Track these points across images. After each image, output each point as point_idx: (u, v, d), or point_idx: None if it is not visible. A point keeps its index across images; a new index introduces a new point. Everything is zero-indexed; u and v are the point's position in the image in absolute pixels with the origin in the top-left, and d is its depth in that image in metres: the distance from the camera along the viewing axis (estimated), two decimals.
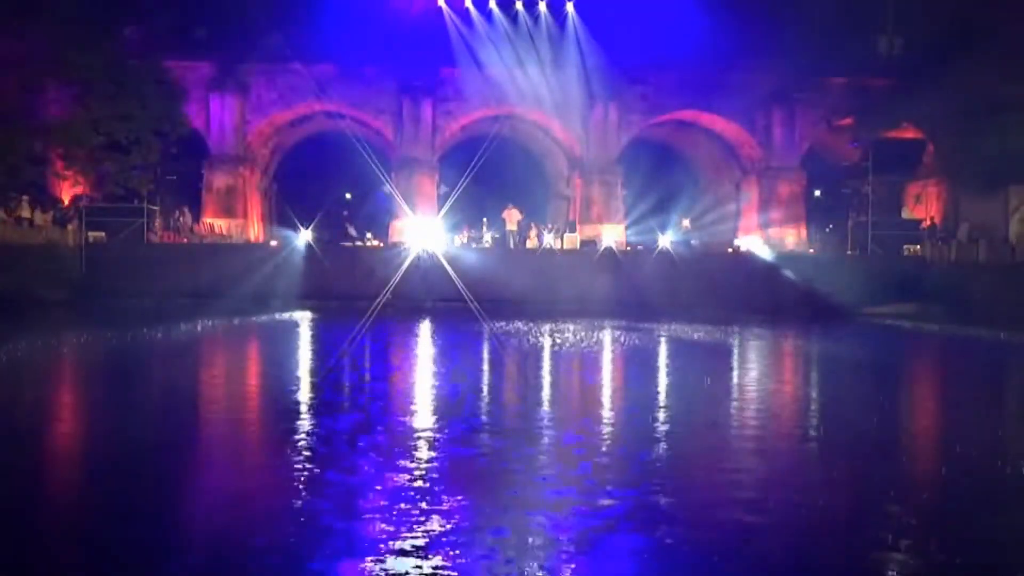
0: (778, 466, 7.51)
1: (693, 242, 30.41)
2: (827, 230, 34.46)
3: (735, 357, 15.79)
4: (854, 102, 31.24)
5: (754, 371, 14.03)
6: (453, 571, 4.81)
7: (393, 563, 4.90)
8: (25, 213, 27.87)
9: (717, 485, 6.77)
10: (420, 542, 5.21)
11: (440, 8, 31.93)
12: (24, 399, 10.58)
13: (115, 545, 5.22)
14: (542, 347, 16.41)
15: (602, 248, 28.75)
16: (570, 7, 32.23)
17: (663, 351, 16.49)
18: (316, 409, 9.68)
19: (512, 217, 31.24)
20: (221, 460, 7.70)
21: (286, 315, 22.31)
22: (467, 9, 32.02)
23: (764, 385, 12.23)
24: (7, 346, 14.12)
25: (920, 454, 8.57)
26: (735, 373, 13.59)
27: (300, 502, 5.99)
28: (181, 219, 30.69)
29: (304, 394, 10.71)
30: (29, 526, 5.59)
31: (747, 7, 29.43)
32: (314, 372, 12.70)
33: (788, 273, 27.36)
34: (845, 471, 7.40)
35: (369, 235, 32.22)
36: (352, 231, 31.31)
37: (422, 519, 5.63)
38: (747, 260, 29.33)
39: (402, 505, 5.91)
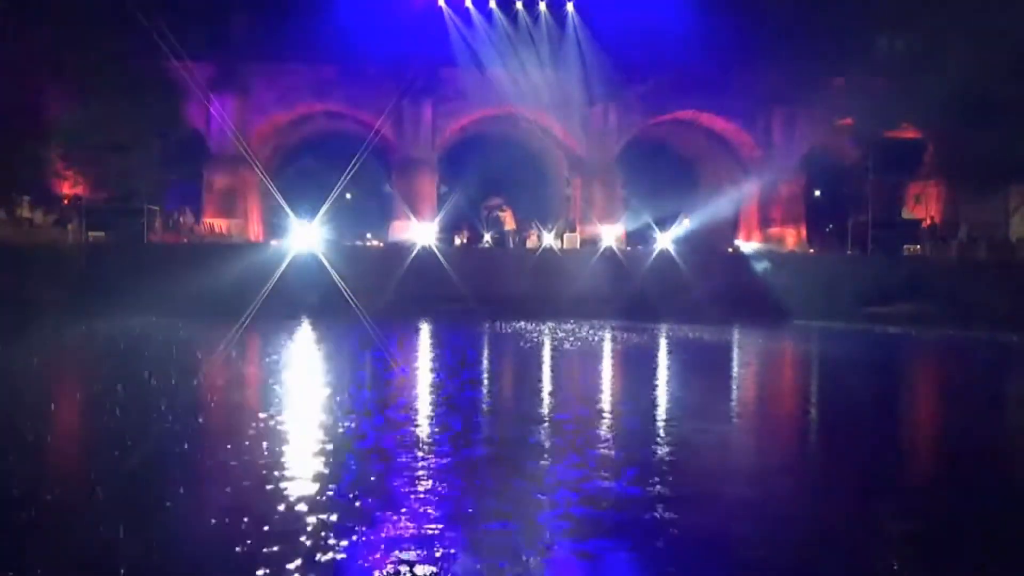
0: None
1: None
2: (827, 230, 34.46)
3: (733, 360, 15.79)
4: (854, 102, 31.23)
5: (751, 375, 14.03)
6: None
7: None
8: (25, 213, 27.87)
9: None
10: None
11: (440, 8, 31.95)
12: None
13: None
14: (541, 349, 16.41)
15: (602, 248, 28.75)
16: (570, 7, 32.25)
17: (662, 353, 16.49)
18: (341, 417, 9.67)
19: (508, 218, 31.28)
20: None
21: (286, 317, 22.28)
22: (467, 9, 32.04)
23: (761, 393, 12.25)
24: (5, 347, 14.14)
25: (921, 456, 8.59)
26: (733, 376, 13.59)
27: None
28: (181, 219, 30.71)
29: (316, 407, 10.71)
30: None
31: (747, 7, 29.43)
32: (328, 384, 12.69)
33: (789, 273, 27.34)
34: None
35: (369, 235, 32.31)
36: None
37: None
38: (746, 260, 29.32)
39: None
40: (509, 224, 31.08)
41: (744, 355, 16.33)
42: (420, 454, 7.46)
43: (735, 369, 14.21)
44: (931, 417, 10.88)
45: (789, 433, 9.34)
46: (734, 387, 12.16)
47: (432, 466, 7.06)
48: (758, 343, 18.49)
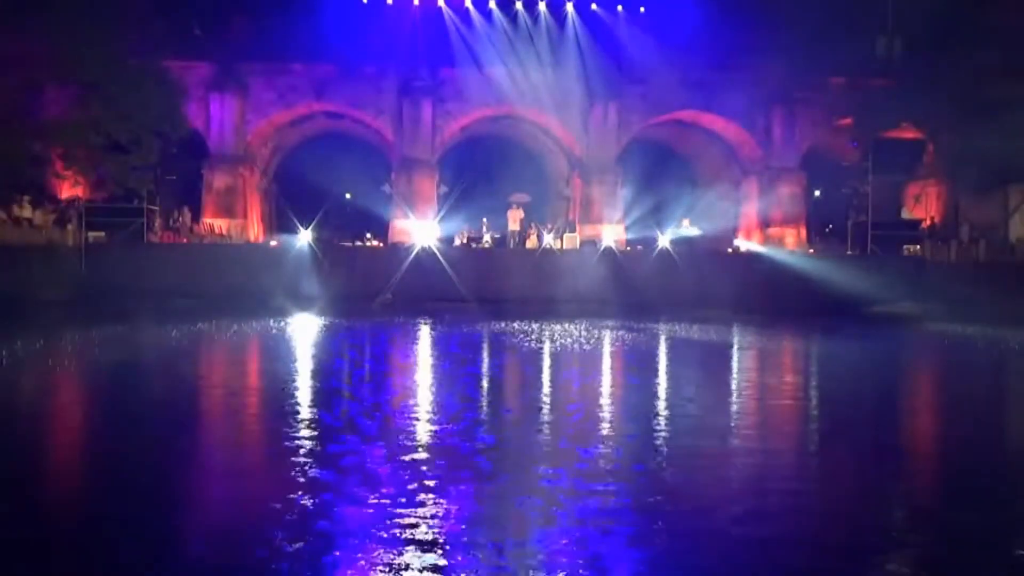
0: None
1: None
2: (827, 230, 34.43)
3: (734, 359, 15.77)
4: (854, 102, 31.25)
5: (755, 373, 14.02)
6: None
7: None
8: (25, 213, 27.87)
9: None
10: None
11: (440, 8, 31.97)
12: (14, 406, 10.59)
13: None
14: (538, 349, 16.40)
15: (602, 248, 28.72)
16: (570, 7, 32.26)
17: (661, 354, 16.48)
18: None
19: (515, 217, 31.27)
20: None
21: (285, 317, 22.28)
22: (467, 9, 32.06)
23: (768, 388, 12.23)
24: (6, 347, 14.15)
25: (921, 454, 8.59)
26: (734, 375, 13.59)
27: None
28: (181, 219, 30.69)
29: (318, 404, 10.70)
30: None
31: (747, 7, 29.43)
32: (326, 380, 12.69)
33: (788, 273, 27.31)
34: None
35: (369, 235, 32.35)
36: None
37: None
38: (746, 260, 29.31)
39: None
40: (513, 224, 31.04)
41: (744, 357, 16.31)
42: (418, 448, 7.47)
43: (735, 372, 14.18)
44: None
45: (796, 446, 9.32)
46: (734, 393, 12.14)
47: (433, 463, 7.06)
48: (759, 344, 18.45)
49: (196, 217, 31.27)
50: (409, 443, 7.84)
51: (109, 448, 7.88)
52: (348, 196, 35.72)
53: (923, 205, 33.62)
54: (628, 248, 30.59)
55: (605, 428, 8.75)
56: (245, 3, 30.80)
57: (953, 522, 5.96)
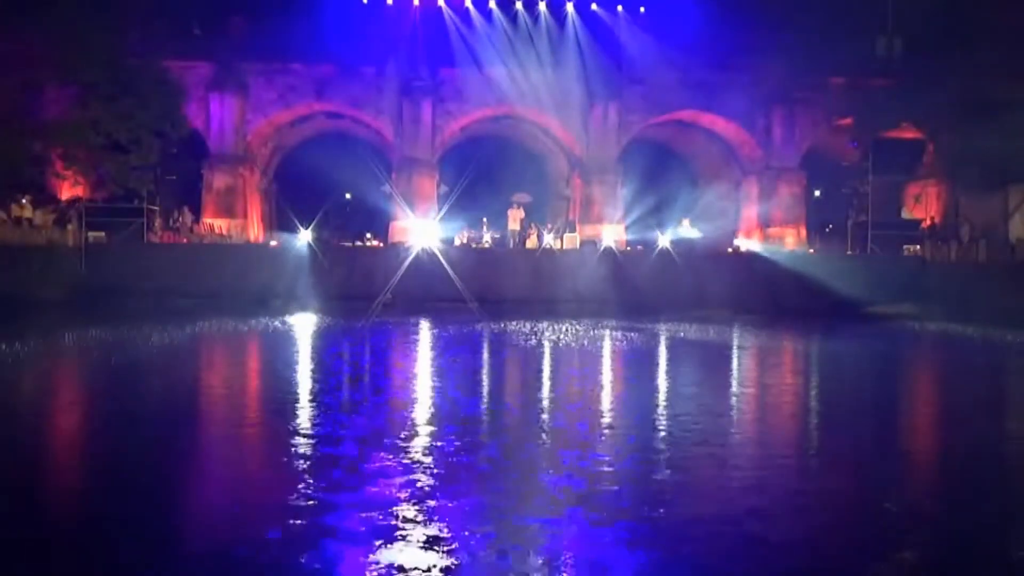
0: None
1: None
2: (827, 230, 34.43)
3: (734, 359, 15.77)
4: (854, 102, 31.27)
5: (755, 373, 14.02)
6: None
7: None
8: (25, 213, 27.88)
9: None
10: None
11: (440, 8, 31.97)
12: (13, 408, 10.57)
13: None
14: (542, 350, 16.40)
15: (602, 248, 28.72)
16: (570, 7, 32.28)
17: (661, 354, 16.48)
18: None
19: (516, 216, 31.28)
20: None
21: (285, 317, 22.29)
22: (467, 9, 32.07)
23: (771, 388, 12.22)
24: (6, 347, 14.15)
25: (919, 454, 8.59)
26: (734, 375, 13.60)
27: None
28: (181, 219, 30.69)
29: (314, 406, 10.70)
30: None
31: (747, 7, 29.45)
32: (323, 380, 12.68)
33: (788, 273, 27.29)
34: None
35: (369, 235, 32.35)
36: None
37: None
38: (746, 260, 29.30)
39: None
40: (514, 224, 31.03)
41: (744, 357, 16.30)
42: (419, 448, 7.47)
43: (735, 372, 14.18)
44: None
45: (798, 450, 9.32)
46: (734, 393, 12.14)
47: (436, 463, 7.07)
48: (759, 344, 18.45)
49: (196, 217, 31.26)
50: (409, 443, 7.84)
51: (109, 448, 7.89)
52: (348, 196, 35.71)
53: (923, 205, 33.63)
54: (628, 248, 30.57)
55: (605, 428, 8.74)
56: (245, 3, 30.83)
57: (953, 522, 5.97)
